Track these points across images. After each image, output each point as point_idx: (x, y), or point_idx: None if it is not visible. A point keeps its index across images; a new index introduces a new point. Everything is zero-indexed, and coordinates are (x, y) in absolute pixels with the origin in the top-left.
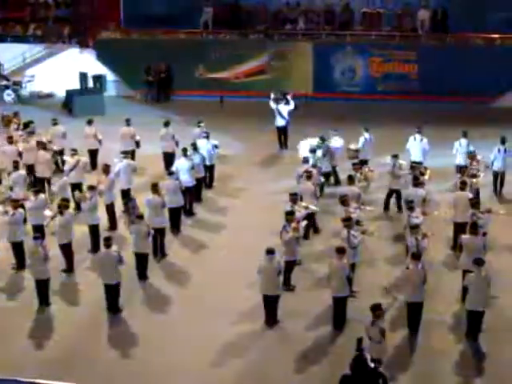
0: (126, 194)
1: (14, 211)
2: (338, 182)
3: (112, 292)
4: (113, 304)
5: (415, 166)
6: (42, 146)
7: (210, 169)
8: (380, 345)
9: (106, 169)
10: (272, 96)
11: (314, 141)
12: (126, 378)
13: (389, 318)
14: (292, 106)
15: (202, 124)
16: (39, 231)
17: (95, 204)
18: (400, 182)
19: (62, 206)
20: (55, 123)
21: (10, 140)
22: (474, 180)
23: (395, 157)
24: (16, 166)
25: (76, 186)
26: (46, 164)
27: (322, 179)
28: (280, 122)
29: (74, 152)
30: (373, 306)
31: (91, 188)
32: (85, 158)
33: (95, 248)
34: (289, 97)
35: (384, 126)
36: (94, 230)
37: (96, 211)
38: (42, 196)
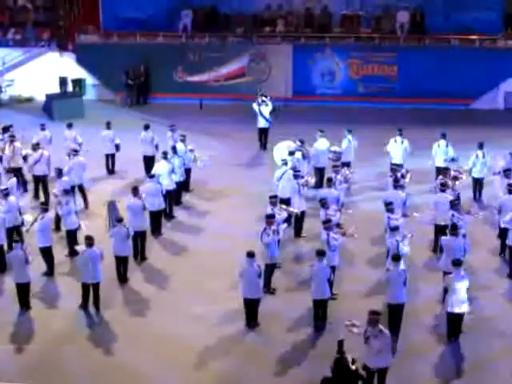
0: (80, 190)
1: None
2: (320, 185)
3: (95, 291)
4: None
5: (396, 169)
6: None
7: (186, 172)
8: None
9: (60, 172)
10: (258, 99)
11: (290, 143)
12: (105, 380)
13: None
14: (270, 107)
15: (174, 128)
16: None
17: (70, 209)
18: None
19: (41, 210)
20: (43, 128)
21: None
22: (457, 182)
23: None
24: None
25: (41, 178)
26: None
27: (312, 180)
28: (262, 124)
29: (37, 146)
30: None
31: (66, 192)
32: (47, 152)
33: (71, 252)
34: (266, 99)
35: (364, 129)
36: (70, 234)
37: (71, 216)
38: (12, 199)
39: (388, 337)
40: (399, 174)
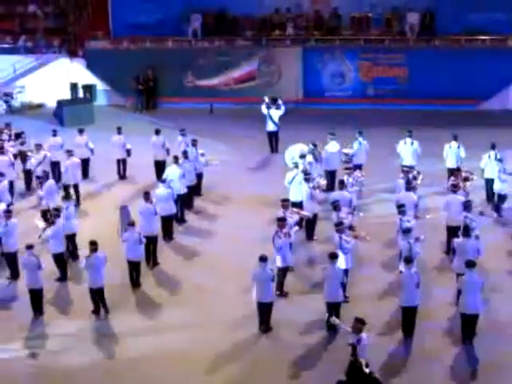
0: (75, 189)
1: (7, 221)
2: (332, 188)
3: (100, 295)
4: (101, 307)
5: (408, 171)
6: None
7: (198, 177)
8: None
9: (47, 175)
10: (266, 100)
11: (302, 146)
12: None
13: (383, 322)
14: (283, 111)
15: (184, 132)
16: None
17: (70, 214)
18: None
19: (53, 216)
20: (55, 134)
21: (1, 150)
22: (467, 183)
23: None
24: None
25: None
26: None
27: (323, 182)
28: (271, 127)
29: (39, 147)
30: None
31: (66, 197)
32: (50, 153)
33: (73, 256)
34: (280, 102)
35: (375, 131)
36: (70, 240)
37: (71, 220)
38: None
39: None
40: (411, 176)
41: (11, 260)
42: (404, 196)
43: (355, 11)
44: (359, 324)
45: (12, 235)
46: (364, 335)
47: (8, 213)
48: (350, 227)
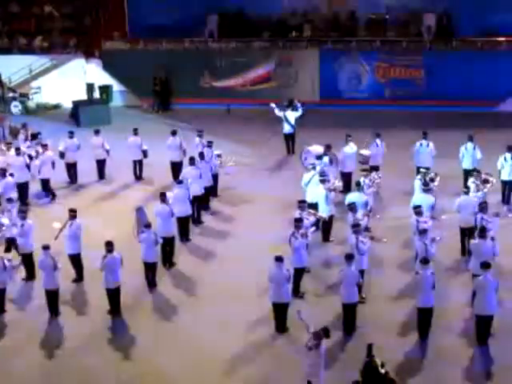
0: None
1: (23, 222)
2: (348, 189)
3: (116, 295)
4: (116, 308)
5: (425, 172)
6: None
7: (214, 178)
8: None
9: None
10: (273, 105)
11: (319, 148)
12: None
13: (399, 323)
14: (300, 112)
15: (202, 134)
16: None
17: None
18: None
19: (70, 217)
20: (71, 136)
21: (18, 151)
22: (488, 185)
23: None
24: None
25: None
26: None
27: (338, 183)
28: (287, 129)
29: (45, 147)
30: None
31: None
32: (52, 153)
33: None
34: (298, 104)
35: (391, 132)
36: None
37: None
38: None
39: (318, 357)
40: (428, 178)
41: (28, 261)
42: (420, 197)
43: (372, 13)
44: (323, 333)
45: (28, 236)
46: (323, 346)
47: (23, 213)
48: (367, 228)
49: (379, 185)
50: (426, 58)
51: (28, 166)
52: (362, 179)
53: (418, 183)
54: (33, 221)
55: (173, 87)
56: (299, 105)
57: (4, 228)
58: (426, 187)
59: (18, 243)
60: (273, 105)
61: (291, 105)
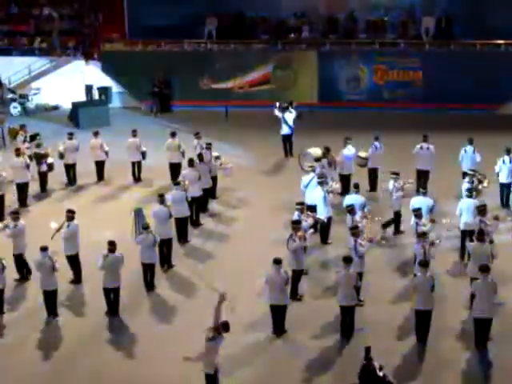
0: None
1: (16, 223)
2: (346, 191)
3: (116, 295)
4: (114, 309)
5: (472, 174)
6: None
7: (212, 180)
8: None
9: None
10: (277, 104)
11: (317, 150)
12: None
13: (397, 325)
14: (294, 114)
15: (199, 135)
16: None
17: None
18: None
19: (68, 217)
20: (71, 138)
21: (18, 152)
22: (480, 187)
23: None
24: None
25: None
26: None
27: (336, 185)
28: (285, 131)
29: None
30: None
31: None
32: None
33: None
34: (292, 106)
35: (390, 134)
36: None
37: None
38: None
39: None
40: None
41: (20, 262)
42: (419, 200)
43: (371, 15)
44: (222, 328)
45: (20, 237)
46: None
47: (15, 214)
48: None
49: (407, 190)
50: (424, 60)
51: (28, 167)
52: (390, 182)
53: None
54: (30, 222)
55: (172, 89)
56: (294, 106)
57: None
58: (423, 190)
59: (12, 244)
60: (277, 104)
61: (290, 106)
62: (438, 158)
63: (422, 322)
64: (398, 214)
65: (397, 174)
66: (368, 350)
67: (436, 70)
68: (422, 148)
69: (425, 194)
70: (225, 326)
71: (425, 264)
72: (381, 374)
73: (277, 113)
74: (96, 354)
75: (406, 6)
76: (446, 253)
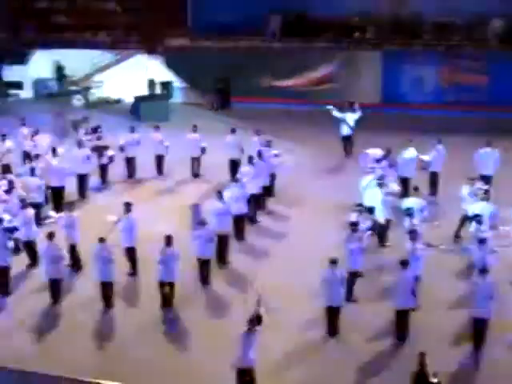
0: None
1: (24, 211)
2: (406, 194)
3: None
4: (169, 301)
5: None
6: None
7: (271, 177)
8: None
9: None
10: (331, 107)
11: (378, 151)
12: (181, 381)
13: (454, 332)
14: (358, 114)
15: (260, 133)
16: None
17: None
18: None
19: (126, 210)
20: (132, 131)
21: (79, 144)
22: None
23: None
24: None
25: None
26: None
27: (396, 187)
28: (345, 131)
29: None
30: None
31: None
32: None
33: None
34: (356, 106)
35: (453, 137)
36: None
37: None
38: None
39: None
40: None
41: (30, 248)
42: (480, 206)
43: (437, 16)
44: (256, 320)
45: (29, 224)
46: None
47: (23, 202)
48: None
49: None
50: (491, 63)
51: (89, 159)
52: (467, 188)
53: (478, 192)
54: (88, 214)
55: (234, 86)
56: (357, 107)
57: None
58: (486, 195)
59: (22, 232)
60: (330, 106)
61: (351, 107)
62: (502, 163)
63: (479, 330)
64: (464, 219)
65: (473, 179)
66: (422, 355)
67: (502, 74)
68: (485, 152)
69: (487, 199)
70: (258, 319)
71: (484, 271)
72: (435, 380)
73: (336, 114)
74: (149, 344)
75: (474, 7)
76: (507, 260)
